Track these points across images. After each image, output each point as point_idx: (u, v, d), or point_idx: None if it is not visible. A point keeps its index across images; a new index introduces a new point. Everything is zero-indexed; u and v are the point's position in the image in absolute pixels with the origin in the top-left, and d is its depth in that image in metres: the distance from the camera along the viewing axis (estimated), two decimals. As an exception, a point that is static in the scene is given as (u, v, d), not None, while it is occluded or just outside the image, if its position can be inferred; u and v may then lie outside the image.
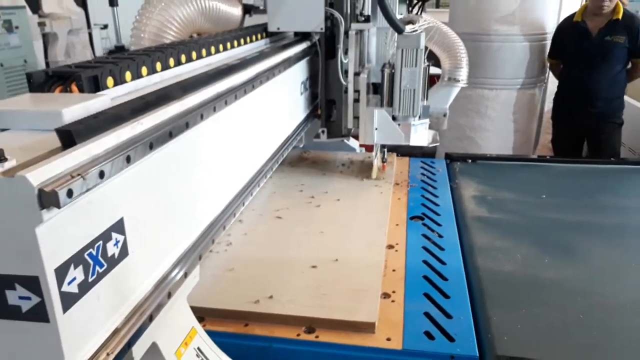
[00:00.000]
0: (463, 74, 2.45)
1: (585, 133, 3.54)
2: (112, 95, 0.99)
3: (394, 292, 1.39)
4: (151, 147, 0.84)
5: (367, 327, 1.23)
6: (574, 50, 3.43)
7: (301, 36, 2.13)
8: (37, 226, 0.62)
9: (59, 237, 0.65)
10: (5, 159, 0.64)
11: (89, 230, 0.72)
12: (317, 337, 1.22)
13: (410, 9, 2.89)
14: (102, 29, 6.89)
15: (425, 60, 1.87)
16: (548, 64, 3.73)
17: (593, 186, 2.19)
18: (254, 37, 1.88)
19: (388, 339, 1.21)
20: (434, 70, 2.03)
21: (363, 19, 2.12)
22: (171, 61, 1.29)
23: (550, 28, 3.59)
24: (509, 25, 3.45)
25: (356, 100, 2.08)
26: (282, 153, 1.81)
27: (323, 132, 2.30)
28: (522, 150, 3.79)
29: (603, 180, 2.25)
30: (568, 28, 3.48)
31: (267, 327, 1.26)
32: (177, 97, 0.99)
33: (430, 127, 2.03)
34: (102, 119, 0.77)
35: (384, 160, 2.22)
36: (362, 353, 1.19)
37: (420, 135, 1.97)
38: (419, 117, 1.92)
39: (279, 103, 1.79)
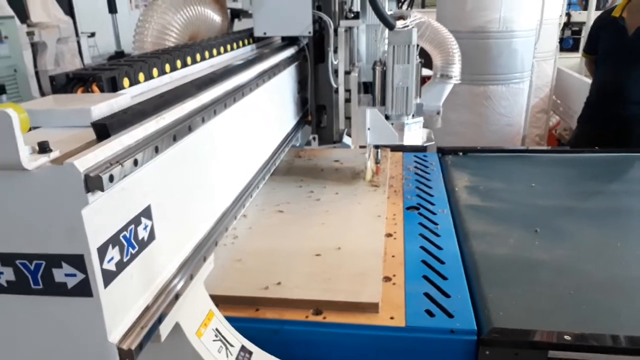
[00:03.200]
0: (456, 70, 2.38)
1: (609, 138, 3.23)
2: (130, 95, 1.06)
3: (394, 275, 1.47)
4: (175, 139, 0.91)
5: (371, 308, 1.31)
6: (606, 46, 3.24)
7: (288, 41, 2.10)
8: (83, 208, 0.69)
9: (100, 219, 0.73)
10: (51, 150, 0.71)
11: (123, 215, 0.79)
12: (324, 318, 1.30)
13: (399, 4, 2.92)
14: (89, 37, 6.93)
15: (418, 57, 1.84)
16: (583, 59, 3.56)
17: (580, 174, 2.29)
18: (240, 43, 1.85)
19: (392, 318, 1.29)
20: (424, 71, 2.01)
21: (352, 15, 2.06)
22: (178, 63, 1.36)
23: (534, 25, 3.71)
24: (495, 23, 3.55)
25: (347, 101, 2.03)
26: (279, 155, 1.87)
27: (314, 138, 2.23)
28: (512, 144, 3.90)
29: (589, 168, 2.35)
30: (604, 22, 3.30)
31: (277, 311, 1.33)
32: (192, 95, 1.06)
33: (423, 126, 2.01)
34: (131, 114, 0.85)
35: (377, 162, 2.14)
36: (368, 331, 1.27)
37: (415, 134, 1.94)
38: (413, 116, 1.90)
39: (271, 108, 1.80)
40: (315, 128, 2.22)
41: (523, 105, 3.90)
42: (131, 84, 1.13)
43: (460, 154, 2.53)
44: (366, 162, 2.09)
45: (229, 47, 1.70)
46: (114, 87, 1.07)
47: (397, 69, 1.79)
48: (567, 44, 7.17)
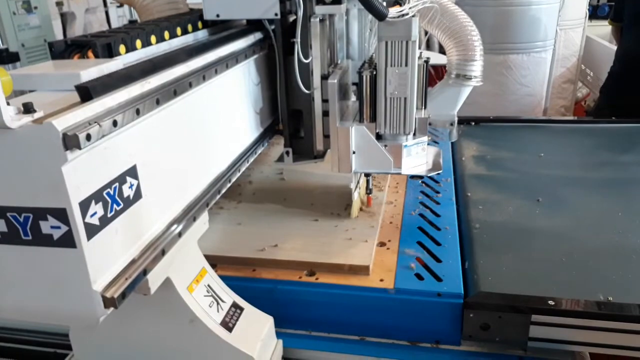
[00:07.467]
0: (476, 68, 1.80)
1: (631, 109, 2.99)
2: (124, 61, 1.10)
3: (389, 241, 1.51)
4: (158, 102, 0.95)
5: (362, 270, 1.36)
6: (631, 13, 3.13)
7: (254, 25, 1.58)
8: (63, 165, 0.74)
9: (81, 176, 0.78)
10: (35, 111, 0.76)
11: (106, 173, 0.84)
12: (317, 279, 1.35)
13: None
14: (118, 7, 7.00)
15: (421, 55, 1.39)
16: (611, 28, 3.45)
17: (592, 144, 2.25)
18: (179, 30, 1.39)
19: (381, 280, 1.33)
20: (439, 59, 1.60)
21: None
22: (178, 30, 1.39)
23: (559, -9, 3.57)
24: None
25: (326, 114, 1.49)
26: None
27: (287, 153, 1.63)
28: (532, 114, 3.81)
29: (602, 139, 2.30)
30: None
31: (272, 272, 1.39)
32: (182, 61, 1.10)
33: (431, 144, 1.53)
34: (115, 77, 0.89)
35: (368, 192, 1.67)
36: (357, 292, 1.32)
37: (416, 159, 1.45)
38: (414, 135, 1.43)
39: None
40: (288, 140, 1.62)
41: (545, 75, 3.79)
42: (127, 51, 1.16)
43: (473, 123, 2.51)
44: (352, 194, 1.61)
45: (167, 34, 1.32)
46: (110, 53, 1.12)
47: (391, 73, 1.32)
48: (602, 11, 6.85)
